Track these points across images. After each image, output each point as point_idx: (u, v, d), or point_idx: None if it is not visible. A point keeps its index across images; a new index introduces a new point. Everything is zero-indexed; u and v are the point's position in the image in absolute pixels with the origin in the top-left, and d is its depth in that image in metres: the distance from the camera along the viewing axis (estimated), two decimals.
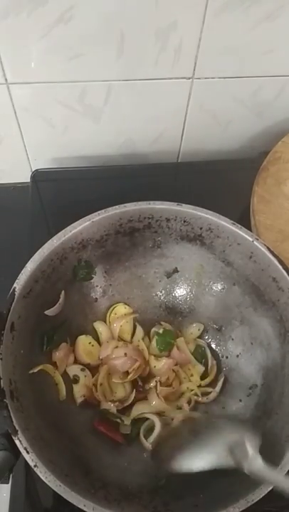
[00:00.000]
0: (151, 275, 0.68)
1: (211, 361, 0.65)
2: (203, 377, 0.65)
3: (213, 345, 0.67)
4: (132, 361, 0.62)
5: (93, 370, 0.64)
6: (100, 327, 0.66)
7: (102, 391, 0.62)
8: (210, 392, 0.64)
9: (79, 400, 0.61)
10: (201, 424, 0.60)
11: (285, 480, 0.45)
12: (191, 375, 0.65)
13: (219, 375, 0.65)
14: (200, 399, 0.63)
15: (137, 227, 0.63)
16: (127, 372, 0.62)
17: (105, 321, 0.67)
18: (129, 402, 0.62)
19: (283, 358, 0.58)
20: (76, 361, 0.63)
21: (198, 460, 0.51)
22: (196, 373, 0.65)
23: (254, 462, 0.46)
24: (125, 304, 0.68)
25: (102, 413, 0.61)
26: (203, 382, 0.64)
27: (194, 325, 0.68)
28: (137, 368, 0.62)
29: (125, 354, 0.62)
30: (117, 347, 0.63)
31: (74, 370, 0.62)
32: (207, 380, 0.64)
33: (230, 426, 0.54)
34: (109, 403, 0.61)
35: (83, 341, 0.64)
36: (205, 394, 0.64)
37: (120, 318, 0.66)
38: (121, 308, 0.67)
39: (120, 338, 0.66)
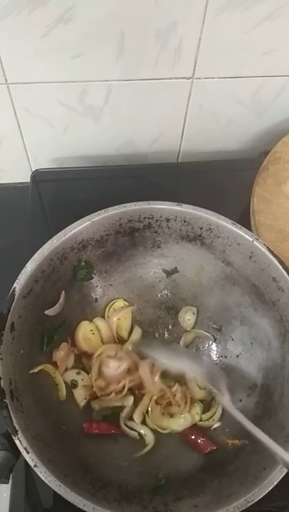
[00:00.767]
0: (151, 275, 0.68)
1: (217, 398, 0.63)
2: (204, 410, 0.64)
3: (213, 345, 0.67)
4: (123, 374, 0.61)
5: (91, 356, 0.64)
6: (99, 323, 0.66)
7: (99, 386, 0.62)
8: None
9: (81, 403, 0.61)
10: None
11: (242, 418, 0.53)
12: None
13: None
14: (202, 423, 0.63)
15: (137, 227, 0.63)
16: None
17: (104, 317, 0.67)
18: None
19: (283, 358, 0.58)
20: (74, 345, 0.63)
21: (180, 360, 0.61)
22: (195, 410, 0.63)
23: (224, 397, 0.57)
24: (124, 300, 0.68)
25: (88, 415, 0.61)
26: (204, 416, 0.63)
27: (185, 308, 0.68)
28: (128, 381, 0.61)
29: (118, 367, 0.61)
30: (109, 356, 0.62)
31: (70, 375, 0.62)
32: (208, 414, 0.63)
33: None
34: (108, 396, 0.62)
35: (85, 327, 0.64)
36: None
37: (118, 310, 0.66)
38: (120, 303, 0.67)
39: (118, 335, 0.66)
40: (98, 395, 0.61)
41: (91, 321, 0.66)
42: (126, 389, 0.61)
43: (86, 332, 0.64)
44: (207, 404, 0.64)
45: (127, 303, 0.68)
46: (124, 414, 0.61)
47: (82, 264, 0.63)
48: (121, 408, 0.62)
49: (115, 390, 0.61)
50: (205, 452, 0.59)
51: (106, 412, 0.62)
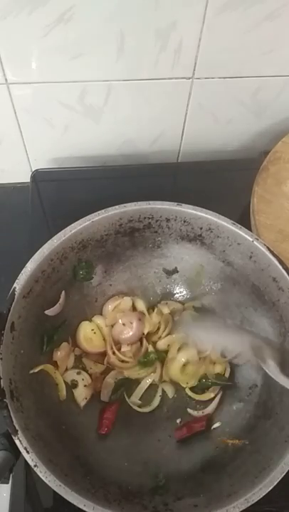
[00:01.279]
0: (151, 275, 0.68)
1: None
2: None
3: None
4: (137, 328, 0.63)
5: (93, 356, 0.64)
6: (99, 321, 0.66)
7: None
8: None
9: (82, 403, 0.61)
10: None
11: None
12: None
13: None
14: (193, 412, 0.63)
15: (137, 227, 0.63)
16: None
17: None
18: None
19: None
20: (75, 346, 0.64)
21: (223, 338, 0.58)
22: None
23: (271, 368, 0.53)
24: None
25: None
26: (197, 396, 0.64)
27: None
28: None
29: (123, 324, 0.63)
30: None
31: (71, 375, 0.62)
32: (204, 396, 0.64)
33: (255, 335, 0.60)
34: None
35: (85, 327, 0.65)
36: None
37: (113, 299, 0.67)
38: (117, 299, 0.67)
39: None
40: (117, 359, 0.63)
41: (91, 320, 0.66)
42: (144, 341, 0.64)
43: (87, 332, 0.64)
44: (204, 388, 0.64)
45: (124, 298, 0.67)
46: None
47: (82, 264, 0.63)
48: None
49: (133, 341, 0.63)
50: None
51: (115, 396, 0.63)
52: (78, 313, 0.65)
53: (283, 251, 0.67)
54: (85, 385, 0.62)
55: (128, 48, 0.67)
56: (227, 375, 0.64)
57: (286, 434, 0.52)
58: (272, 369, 0.53)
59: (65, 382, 0.61)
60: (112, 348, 0.64)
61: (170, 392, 0.64)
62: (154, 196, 0.61)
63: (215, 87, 0.75)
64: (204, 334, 0.59)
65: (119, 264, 0.67)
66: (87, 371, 0.63)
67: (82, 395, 0.61)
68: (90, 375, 0.63)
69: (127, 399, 0.63)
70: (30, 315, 0.57)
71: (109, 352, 0.64)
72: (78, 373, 0.62)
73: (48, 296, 0.60)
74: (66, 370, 0.62)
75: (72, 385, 0.62)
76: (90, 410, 0.62)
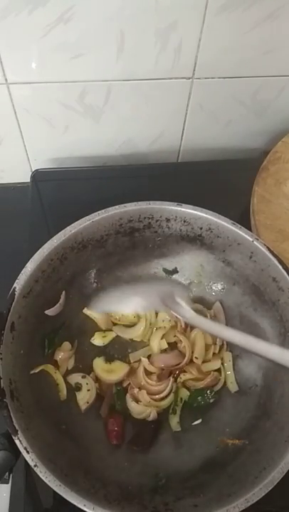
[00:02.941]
0: (152, 275, 0.68)
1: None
2: None
3: None
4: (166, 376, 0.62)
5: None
6: (92, 313, 0.65)
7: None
8: None
9: (83, 407, 0.61)
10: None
11: (213, 324, 0.54)
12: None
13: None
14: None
15: (137, 227, 0.63)
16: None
17: None
18: None
19: None
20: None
21: (126, 302, 0.57)
22: None
23: (184, 311, 0.53)
24: None
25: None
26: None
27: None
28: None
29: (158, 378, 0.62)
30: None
31: (75, 378, 0.62)
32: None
33: (162, 281, 0.62)
34: None
35: (99, 364, 0.64)
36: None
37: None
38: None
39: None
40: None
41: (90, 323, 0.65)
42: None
43: (104, 367, 0.63)
44: None
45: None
46: None
47: (115, 392, 0.62)
48: None
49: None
50: None
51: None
52: (79, 313, 0.65)
53: (283, 251, 0.67)
54: (88, 390, 0.61)
55: (128, 48, 0.67)
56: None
57: (286, 434, 0.52)
58: (183, 309, 0.53)
59: (69, 384, 0.61)
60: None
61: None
62: (154, 196, 0.61)
63: (215, 87, 0.75)
64: (117, 303, 0.59)
65: (120, 264, 0.67)
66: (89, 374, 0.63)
67: (84, 398, 0.61)
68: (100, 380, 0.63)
69: None
70: (30, 315, 0.57)
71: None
72: (83, 377, 0.62)
73: (48, 296, 0.60)
74: (67, 370, 0.62)
75: (76, 388, 0.61)
76: (91, 410, 0.62)
